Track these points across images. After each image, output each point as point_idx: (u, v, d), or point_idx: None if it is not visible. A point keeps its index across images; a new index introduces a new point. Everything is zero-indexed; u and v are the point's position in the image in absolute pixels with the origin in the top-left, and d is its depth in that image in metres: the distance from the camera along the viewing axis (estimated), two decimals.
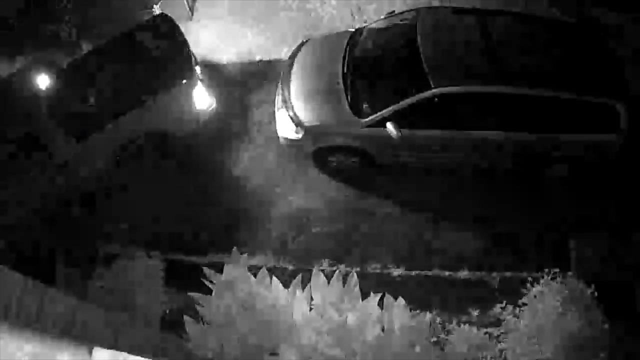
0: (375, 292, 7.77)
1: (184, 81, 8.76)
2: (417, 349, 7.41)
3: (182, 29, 9.23)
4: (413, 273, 8.26)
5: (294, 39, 9.62)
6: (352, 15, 10.28)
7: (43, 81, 8.58)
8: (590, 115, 8.00)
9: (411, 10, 8.88)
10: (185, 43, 8.97)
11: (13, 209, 8.55)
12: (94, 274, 8.38)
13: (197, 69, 8.90)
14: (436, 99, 7.89)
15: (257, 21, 10.29)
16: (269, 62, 9.93)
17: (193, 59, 8.95)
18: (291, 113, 8.52)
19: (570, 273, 7.97)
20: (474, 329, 7.78)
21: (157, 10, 9.84)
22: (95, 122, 8.52)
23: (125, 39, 9.05)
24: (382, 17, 9.10)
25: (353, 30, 9.16)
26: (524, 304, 7.84)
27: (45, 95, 8.51)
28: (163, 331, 7.02)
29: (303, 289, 7.76)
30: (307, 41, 9.31)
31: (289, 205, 8.83)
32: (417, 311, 7.76)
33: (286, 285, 7.82)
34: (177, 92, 8.74)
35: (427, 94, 7.88)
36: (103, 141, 8.61)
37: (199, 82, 8.85)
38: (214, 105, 9.15)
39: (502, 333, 7.74)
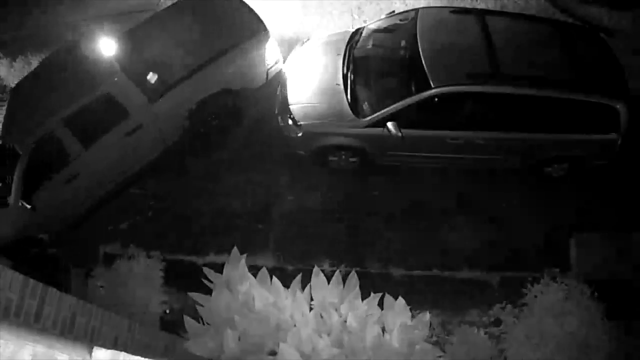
0: (375, 292, 7.78)
1: (257, 35, 8.77)
2: (417, 349, 7.41)
3: None
4: (413, 273, 8.26)
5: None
6: (352, 15, 10.28)
7: (107, 45, 8.52)
8: (591, 115, 8.00)
9: (411, 10, 8.88)
10: (246, 3, 9.03)
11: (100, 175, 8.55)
12: (94, 274, 8.41)
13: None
14: (436, 99, 7.89)
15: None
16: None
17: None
18: (291, 113, 8.52)
19: (570, 273, 7.99)
20: (474, 329, 7.79)
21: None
22: (169, 81, 8.42)
23: (191, 1, 9.13)
24: (382, 17, 9.10)
25: (353, 30, 9.16)
26: (524, 304, 7.86)
27: (117, 57, 8.41)
28: (163, 331, 7.02)
29: (303, 289, 7.76)
30: (307, 41, 9.31)
31: (289, 205, 8.83)
32: (417, 311, 7.77)
33: (286, 285, 7.82)
34: (250, 46, 8.73)
35: (427, 93, 7.87)
36: (177, 100, 8.50)
37: (271, 37, 8.88)
38: (281, 60, 9.14)
39: (502, 333, 7.75)
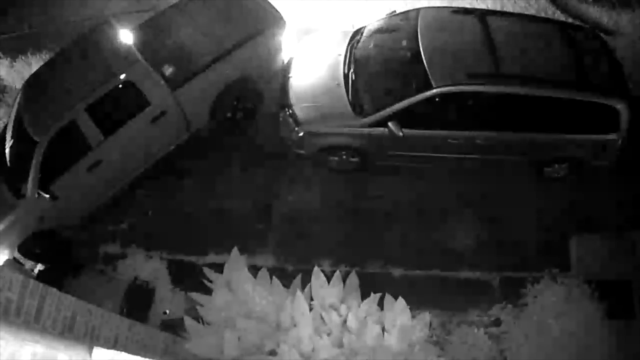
0: (375, 292, 7.77)
1: (276, 24, 8.93)
2: (417, 348, 7.41)
3: None
4: (413, 273, 8.25)
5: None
6: (351, 15, 10.27)
7: (125, 34, 8.54)
8: (591, 115, 8.00)
9: (412, 10, 8.87)
10: None
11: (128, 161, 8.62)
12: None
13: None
14: (437, 99, 7.89)
15: None
16: None
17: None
18: (292, 113, 8.52)
19: (570, 273, 7.98)
20: (474, 329, 7.79)
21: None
22: (192, 69, 8.51)
23: None
24: (383, 16, 9.09)
25: (354, 29, 9.16)
26: (524, 304, 7.86)
27: (137, 45, 8.43)
28: (163, 331, 7.03)
29: (303, 289, 7.76)
30: (307, 41, 9.31)
31: (289, 205, 8.83)
32: (417, 311, 7.76)
33: (286, 285, 7.82)
34: (270, 35, 8.90)
35: (428, 93, 7.88)
36: (201, 87, 8.59)
37: (286, 26, 9.02)
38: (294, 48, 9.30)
39: (502, 333, 7.75)
